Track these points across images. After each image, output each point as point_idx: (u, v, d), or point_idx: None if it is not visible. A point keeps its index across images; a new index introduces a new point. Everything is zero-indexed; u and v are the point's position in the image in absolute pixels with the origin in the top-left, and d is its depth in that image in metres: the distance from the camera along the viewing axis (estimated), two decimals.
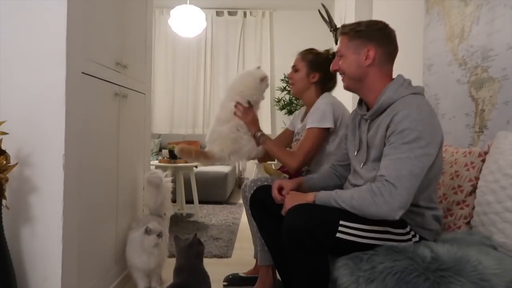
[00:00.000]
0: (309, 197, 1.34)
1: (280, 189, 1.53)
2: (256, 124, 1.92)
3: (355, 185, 1.38)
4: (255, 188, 1.93)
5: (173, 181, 2.36)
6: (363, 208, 1.19)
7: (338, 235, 1.21)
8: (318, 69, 1.89)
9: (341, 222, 1.22)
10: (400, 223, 1.29)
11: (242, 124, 1.91)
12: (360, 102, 1.47)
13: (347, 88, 1.46)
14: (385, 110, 1.31)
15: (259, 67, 2.04)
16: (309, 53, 1.93)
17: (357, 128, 1.44)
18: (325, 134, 1.82)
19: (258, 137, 1.89)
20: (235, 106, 1.91)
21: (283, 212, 1.37)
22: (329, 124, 1.79)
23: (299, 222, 1.22)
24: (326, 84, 1.94)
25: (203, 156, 1.95)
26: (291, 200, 1.37)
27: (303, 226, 1.21)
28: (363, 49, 1.33)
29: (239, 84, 1.98)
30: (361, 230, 1.23)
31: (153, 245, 1.85)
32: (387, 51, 1.35)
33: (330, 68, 1.52)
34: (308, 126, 1.82)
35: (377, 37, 1.34)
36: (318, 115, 1.80)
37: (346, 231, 1.22)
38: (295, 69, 1.95)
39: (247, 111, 1.90)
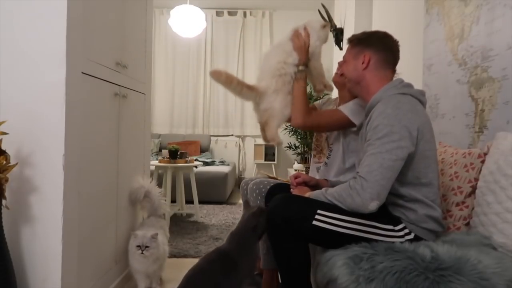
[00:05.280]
0: (307, 194, 1.44)
1: (297, 178, 1.67)
2: (304, 53, 1.70)
3: None
4: (257, 191, 1.94)
5: (160, 180, 2.32)
6: (342, 201, 1.28)
7: (314, 222, 1.28)
8: None
9: (318, 211, 1.29)
10: (392, 220, 1.32)
11: (290, 62, 1.69)
12: None
13: (349, 90, 1.61)
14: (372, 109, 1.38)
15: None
16: None
17: None
18: (348, 125, 1.73)
19: (299, 70, 1.71)
20: (294, 31, 1.73)
21: None
22: (357, 121, 1.70)
23: (277, 208, 1.32)
24: None
25: (246, 87, 1.69)
26: (297, 192, 1.53)
27: (280, 212, 1.30)
28: (361, 55, 1.46)
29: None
30: (339, 220, 1.28)
31: (134, 251, 1.83)
32: (382, 58, 1.45)
33: (336, 73, 1.73)
34: (339, 108, 1.76)
35: (375, 44, 1.46)
36: (355, 107, 1.72)
37: (323, 219, 1.28)
38: None
39: (300, 36, 1.71)
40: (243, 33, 5.91)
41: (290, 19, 5.92)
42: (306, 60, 1.72)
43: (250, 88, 1.68)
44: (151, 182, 2.12)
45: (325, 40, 1.77)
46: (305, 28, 1.72)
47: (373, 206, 1.23)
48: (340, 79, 1.88)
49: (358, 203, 1.24)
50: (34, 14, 1.36)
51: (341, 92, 1.92)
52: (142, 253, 1.80)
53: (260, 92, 1.67)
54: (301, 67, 1.71)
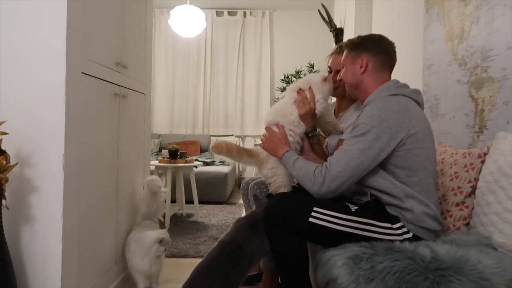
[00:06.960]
0: (281, 150, 1.49)
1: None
2: (310, 119, 1.59)
3: None
4: (258, 191, 1.96)
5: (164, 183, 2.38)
6: (303, 181, 1.36)
7: (310, 219, 1.29)
8: None
9: (314, 209, 1.30)
10: (390, 218, 1.32)
11: (299, 132, 1.60)
12: None
13: (348, 95, 1.62)
14: None
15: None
16: None
17: None
18: None
19: (310, 136, 1.63)
20: (298, 92, 1.61)
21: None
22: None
23: (274, 206, 1.33)
24: None
25: (246, 153, 1.64)
26: (268, 140, 1.56)
27: (277, 210, 1.32)
28: (358, 59, 1.47)
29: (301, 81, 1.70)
30: (336, 217, 1.29)
31: (156, 256, 1.90)
32: (380, 60, 1.46)
33: (331, 81, 1.66)
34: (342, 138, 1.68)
35: (371, 47, 1.47)
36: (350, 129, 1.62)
37: (319, 216, 1.29)
38: None
39: (304, 101, 1.59)
40: (243, 33, 5.91)
41: (290, 19, 5.93)
42: (315, 123, 1.62)
43: (250, 154, 1.65)
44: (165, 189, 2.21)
45: (329, 94, 1.66)
46: (310, 88, 1.60)
47: (327, 197, 1.31)
48: (336, 92, 1.86)
49: (314, 191, 1.32)
50: (34, 14, 1.36)
51: (338, 100, 1.92)
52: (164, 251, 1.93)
53: (261, 158, 1.64)
54: (310, 134, 1.63)
